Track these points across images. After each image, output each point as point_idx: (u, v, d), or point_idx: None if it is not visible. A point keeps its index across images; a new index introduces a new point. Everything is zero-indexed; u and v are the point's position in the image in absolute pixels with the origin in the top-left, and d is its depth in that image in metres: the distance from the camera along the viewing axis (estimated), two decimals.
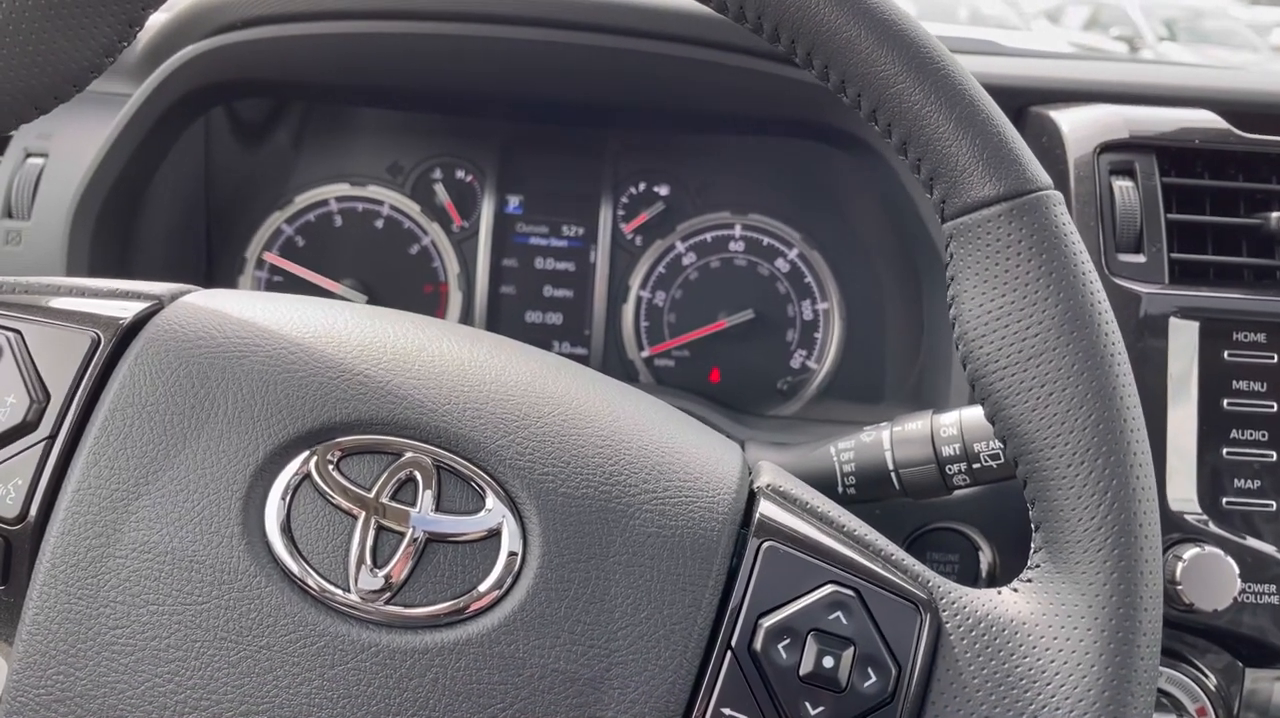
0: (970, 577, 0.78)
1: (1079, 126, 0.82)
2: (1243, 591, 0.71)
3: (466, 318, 1.04)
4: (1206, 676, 0.74)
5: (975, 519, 0.78)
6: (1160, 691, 0.73)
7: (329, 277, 1.04)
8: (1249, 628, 0.72)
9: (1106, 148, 0.80)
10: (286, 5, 0.90)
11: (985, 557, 0.78)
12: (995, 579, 0.78)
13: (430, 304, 1.05)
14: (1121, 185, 0.78)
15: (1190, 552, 0.70)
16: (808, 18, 0.48)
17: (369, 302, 1.04)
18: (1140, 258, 0.77)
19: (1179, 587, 0.70)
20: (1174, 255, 0.77)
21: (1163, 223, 0.78)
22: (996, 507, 0.77)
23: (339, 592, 0.43)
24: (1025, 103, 0.90)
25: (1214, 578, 0.69)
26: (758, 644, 0.45)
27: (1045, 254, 0.47)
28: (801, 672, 0.44)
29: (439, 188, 1.05)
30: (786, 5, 0.48)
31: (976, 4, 10.89)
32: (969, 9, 10.73)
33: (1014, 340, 0.47)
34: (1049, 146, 0.83)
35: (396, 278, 1.05)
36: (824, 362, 1.03)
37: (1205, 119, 0.82)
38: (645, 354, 1.04)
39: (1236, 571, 0.70)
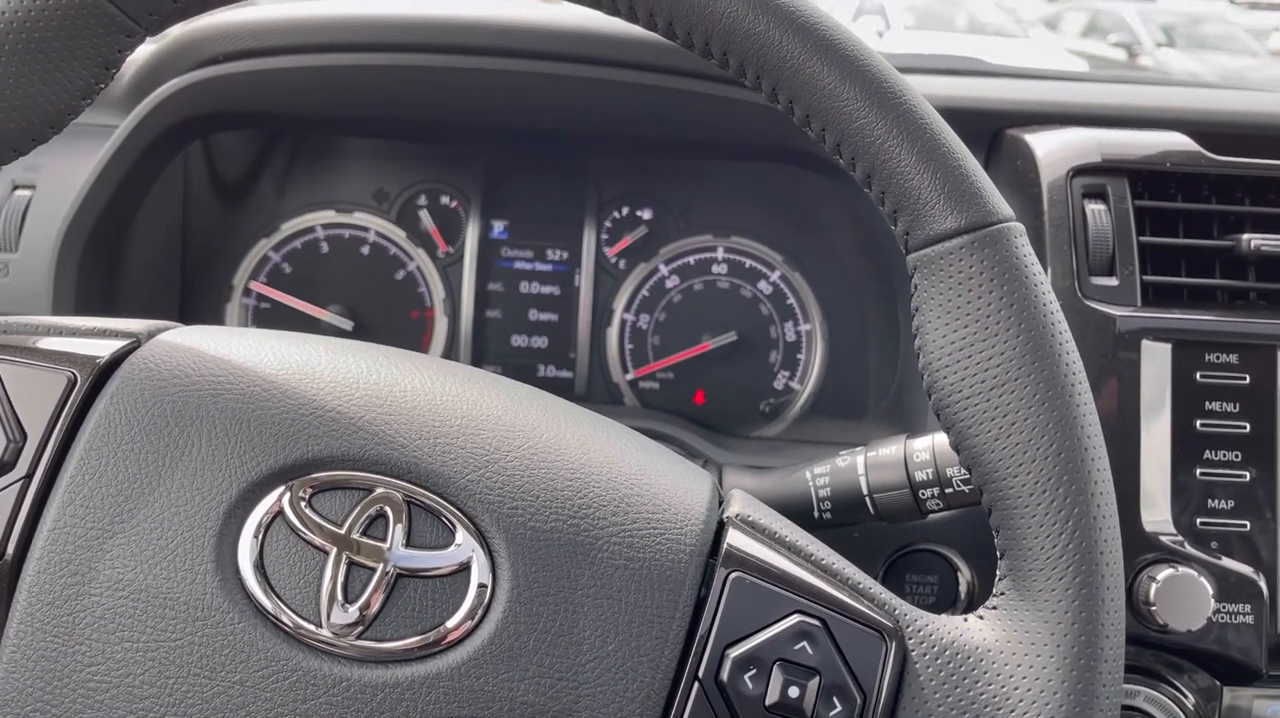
0: (949, 598, 0.78)
1: (1052, 150, 0.83)
2: (1217, 610, 0.71)
3: (452, 342, 1.05)
4: (1185, 695, 0.74)
5: (954, 541, 0.79)
6: (1139, 710, 0.74)
7: (315, 303, 1.04)
8: (1225, 647, 0.73)
9: (1079, 171, 0.80)
10: (272, 38, 0.90)
11: (964, 578, 0.78)
12: (974, 600, 0.78)
13: (416, 329, 1.05)
14: (1094, 209, 0.79)
15: (1164, 573, 0.70)
16: (771, 54, 0.49)
17: (355, 327, 1.04)
18: (1113, 281, 0.78)
19: (1153, 607, 0.70)
20: (1147, 278, 0.78)
21: (1135, 245, 0.78)
22: (975, 529, 0.77)
23: (311, 627, 0.44)
24: (1002, 125, 0.91)
25: (1188, 598, 0.70)
26: (724, 675, 0.45)
27: (1007, 286, 0.48)
28: (767, 702, 0.45)
29: (424, 214, 1.06)
30: (750, 41, 0.49)
31: (975, 11, 10.94)
32: (967, 16, 10.78)
33: (976, 371, 0.48)
34: (1023, 170, 0.84)
35: (383, 304, 1.05)
36: (807, 382, 1.04)
37: (1177, 142, 0.83)
38: (630, 377, 1.04)
39: (1210, 591, 0.70)
